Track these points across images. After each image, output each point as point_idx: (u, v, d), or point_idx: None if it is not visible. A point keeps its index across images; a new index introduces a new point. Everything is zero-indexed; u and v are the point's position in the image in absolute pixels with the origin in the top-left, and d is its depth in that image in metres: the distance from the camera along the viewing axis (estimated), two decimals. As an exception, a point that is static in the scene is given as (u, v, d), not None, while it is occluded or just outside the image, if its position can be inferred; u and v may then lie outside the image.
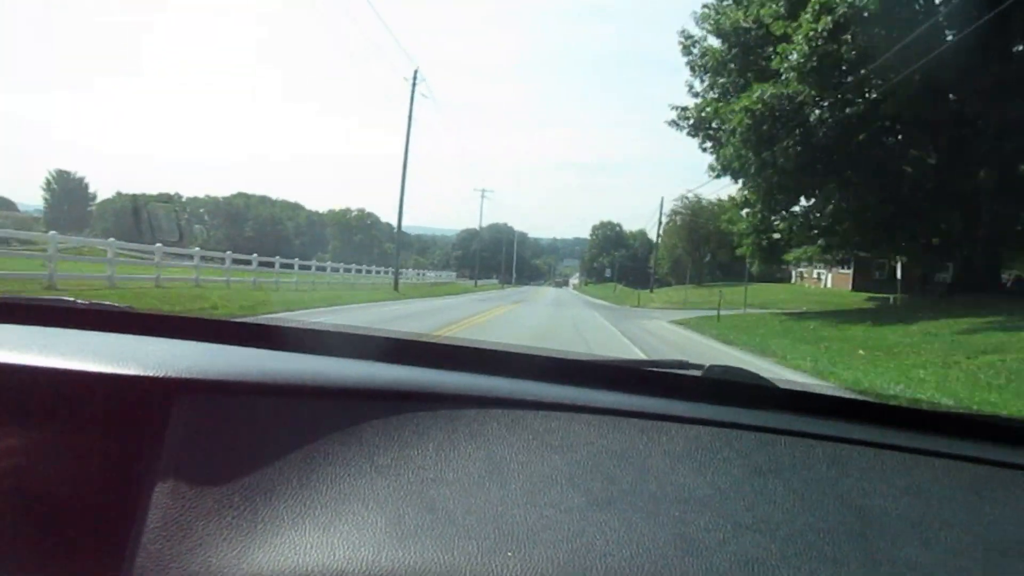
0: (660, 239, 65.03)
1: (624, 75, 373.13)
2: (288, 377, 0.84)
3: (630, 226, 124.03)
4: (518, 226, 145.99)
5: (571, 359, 1.09)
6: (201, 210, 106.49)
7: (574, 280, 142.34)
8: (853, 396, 1.13)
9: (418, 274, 58.72)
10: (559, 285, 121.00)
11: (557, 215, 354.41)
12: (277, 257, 26.34)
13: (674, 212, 68.21)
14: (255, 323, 1.20)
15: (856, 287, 39.60)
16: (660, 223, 62.80)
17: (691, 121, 21.99)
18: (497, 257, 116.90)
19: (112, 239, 17.01)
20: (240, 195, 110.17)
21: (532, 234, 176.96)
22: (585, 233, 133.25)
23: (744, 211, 22.71)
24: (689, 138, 22.44)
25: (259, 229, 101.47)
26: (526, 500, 0.71)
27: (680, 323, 20.73)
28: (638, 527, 0.68)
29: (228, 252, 23.57)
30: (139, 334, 1.03)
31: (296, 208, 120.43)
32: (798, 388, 1.10)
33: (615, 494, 0.73)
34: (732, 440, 0.84)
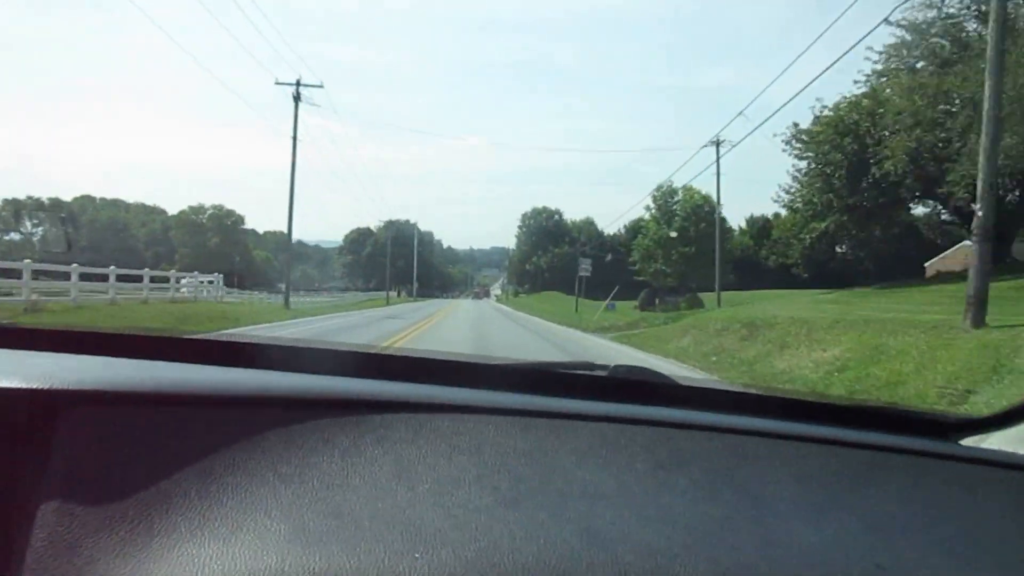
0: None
1: (541, 85, 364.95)
2: (185, 387, 0.85)
3: (572, 215, 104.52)
4: (431, 234, 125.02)
5: (479, 362, 1.17)
6: (21, 212, 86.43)
7: (496, 290, 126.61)
8: (750, 391, 1.24)
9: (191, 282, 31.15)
10: (478, 297, 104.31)
11: (477, 227, 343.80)
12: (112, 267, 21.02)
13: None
14: (153, 336, 1.18)
15: None
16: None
17: None
18: (396, 263, 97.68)
19: None
20: (85, 198, 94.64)
21: (447, 244, 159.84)
22: (506, 242, 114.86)
23: None
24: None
25: (96, 237, 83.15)
26: (433, 502, 0.74)
27: None
28: (545, 523, 0.71)
29: (75, 265, 19.05)
30: (26, 349, 1.01)
31: (153, 212, 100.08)
32: (699, 385, 1.21)
33: (522, 492, 0.76)
34: (636, 436, 0.90)
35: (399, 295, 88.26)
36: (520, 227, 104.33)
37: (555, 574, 0.65)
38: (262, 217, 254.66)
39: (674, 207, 49.78)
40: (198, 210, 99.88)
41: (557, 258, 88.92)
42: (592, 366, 1.22)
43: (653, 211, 51.95)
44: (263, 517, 0.70)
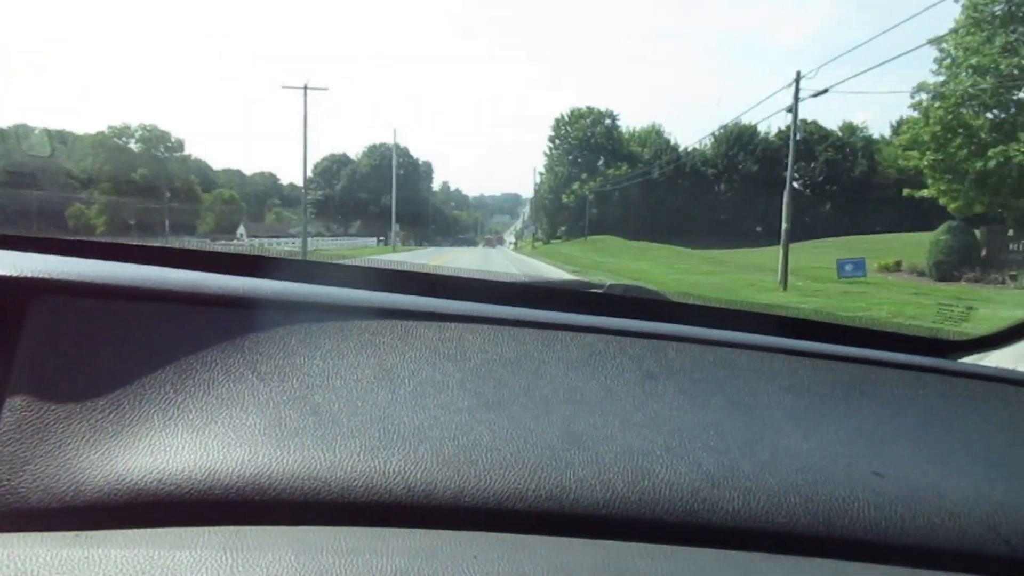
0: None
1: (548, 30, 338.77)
2: (164, 284, 0.85)
3: (630, 120, 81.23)
4: (429, 165, 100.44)
5: (468, 277, 1.16)
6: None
7: (510, 237, 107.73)
8: (749, 309, 1.27)
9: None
10: (490, 244, 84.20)
11: (489, 175, 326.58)
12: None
13: None
14: (135, 244, 1.15)
15: None
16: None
17: None
18: (380, 201, 76.46)
19: None
20: (21, 127, 73.31)
21: (455, 187, 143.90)
22: (520, 189, 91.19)
23: None
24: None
25: (13, 169, 62.44)
26: (415, 403, 0.76)
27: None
28: (527, 425, 0.74)
29: None
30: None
31: (75, 140, 77.89)
32: (695, 302, 1.27)
33: (506, 396, 0.79)
34: (626, 347, 0.92)
35: (382, 243, 66.93)
36: (552, 140, 72.15)
37: (534, 471, 0.67)
38: (251, 157, 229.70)
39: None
40: (121, 131, 78.06)
41: (611, 183, 60.31)
42: (589, 284, 1.26)
43: (964, 26, 20.56)
44: (239, 412, 0.72)
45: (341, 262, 1.10)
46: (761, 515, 0.67)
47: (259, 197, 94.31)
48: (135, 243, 1.11)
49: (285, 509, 0.63)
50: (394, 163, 64.22)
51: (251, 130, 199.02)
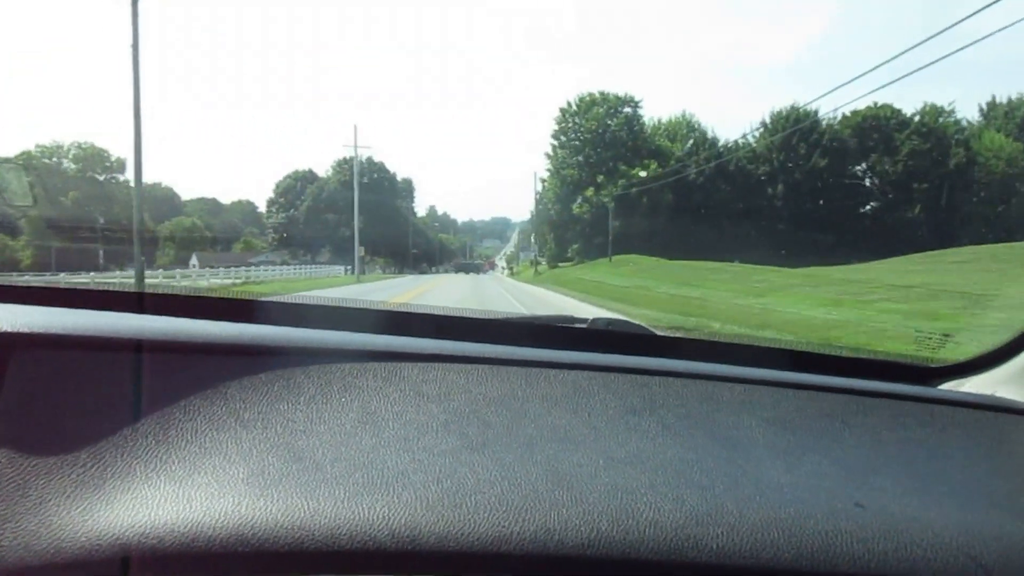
0: None
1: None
2: (143, 334, 0.84)
3: (657, 108, 66.24)
4: (410, 182, 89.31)
5: (452, 315, 1.15)
6: None
7: (501, 261, 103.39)
8: (729, 341, 1.29)
9: None
10: (481, 271, 75.45)
11: (479, 200, 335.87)
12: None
13: None
14: (114, 291, 1.16)
15: None
16: None
17: None
18: (351, 223, 66.44)
19: None
20: None
21: (443, 211, 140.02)
22: (509, 212, 79.83)
23: None
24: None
25: None
26: (399, 447, 0.76)
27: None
28: (511, 466, 0.74)
29: None
30: None
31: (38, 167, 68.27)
32: (677, 335, 1.30)
33: (490, 437, 0.79)
34: (609, 383, 0.93)
35: (349, 272, 56.65)
36: (557, 136, 57.36)
37: (518, 513, 0.67)
38: (230, 187, 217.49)
39: None
40: (53, 151, 67.91)
41: (636, 187, 48.84)
42: (572, 319, 1.30)
43: None
44: (222, 461, 0.71)
45: (324, 304, 1.08)
46: (745, 552, 0.67)
47: (236, 226, 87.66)
48: (114, 289, 1.11)
49: (269, 560, 0.63)
50: (355, 169, 53.48)
51: (226, 156, 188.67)
